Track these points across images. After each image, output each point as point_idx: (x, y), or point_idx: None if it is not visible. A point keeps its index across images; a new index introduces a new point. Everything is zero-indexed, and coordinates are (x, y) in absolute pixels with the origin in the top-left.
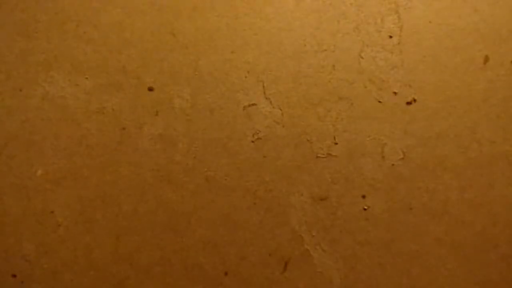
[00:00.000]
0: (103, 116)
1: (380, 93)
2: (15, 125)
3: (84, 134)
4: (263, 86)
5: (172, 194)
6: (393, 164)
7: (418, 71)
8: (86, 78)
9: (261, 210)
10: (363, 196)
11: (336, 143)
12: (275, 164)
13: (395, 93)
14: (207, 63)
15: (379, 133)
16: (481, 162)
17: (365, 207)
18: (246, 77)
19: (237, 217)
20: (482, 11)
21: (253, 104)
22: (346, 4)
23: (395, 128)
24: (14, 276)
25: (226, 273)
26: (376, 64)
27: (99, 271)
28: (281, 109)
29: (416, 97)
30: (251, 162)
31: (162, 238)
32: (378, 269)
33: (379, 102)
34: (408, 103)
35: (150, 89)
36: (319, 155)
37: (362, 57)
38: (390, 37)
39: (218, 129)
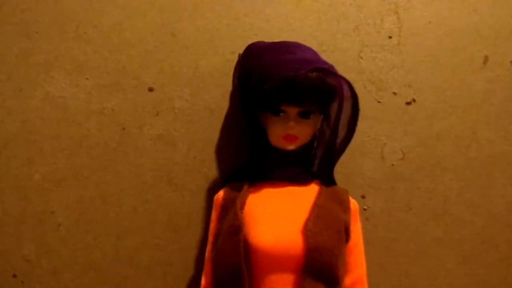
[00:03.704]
0: (103, 116)
1: (379, 93)
2: (15, 125)
3: (84, 134)
4: None
5: (172, 194)
6: (392, 164)
7: (417, 71)
8: (87, 78)
9: None
10: (363, 196)
11: None
12: None
13: (394, 93)
14: (207, 64)
15: (378, 133)
16: (481, 162)
17: (365, 207)
18: None
19: None
20: (481, 11)
21: None
22: (346, 5)
23: (395, 128)
24: (14, 276)
25: None
26: (375, 64)
27: (99, 271)
28: None
29: (415, 97)
30: None
31: (162, 238)
32: (378, 269)
33: (379, 102)
34: (408, 103)
35: (150, 89)
36: None
37: (361, 58)
38: (390, 37)
39: (218, 129)
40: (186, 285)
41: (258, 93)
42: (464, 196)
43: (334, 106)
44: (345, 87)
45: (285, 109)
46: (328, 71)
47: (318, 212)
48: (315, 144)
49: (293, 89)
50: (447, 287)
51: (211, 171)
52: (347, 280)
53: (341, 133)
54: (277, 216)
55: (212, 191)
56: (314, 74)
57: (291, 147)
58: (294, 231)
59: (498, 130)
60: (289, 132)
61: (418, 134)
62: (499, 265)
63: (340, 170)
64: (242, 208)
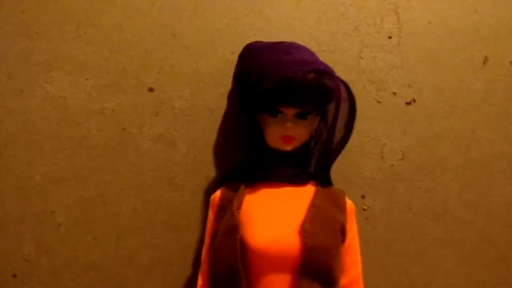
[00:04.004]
0: (103, 117)
1: (379, 93)
2: (15, 125)
3: (85, 135)
4: None
5: (172, 194)
6: (392, 164)
7: (417, 71)
8: (87, 78)
9: None
10: (363, 196)
11: None
12: None
13: (394, 93)
14: (207, 64)
15: (378, 133)
16: (481, 162)
17: (365, 207)
18: None
19: None
20: (481, 11)
21: None
22: (346, 5)
23: (395, 128)
24: (14, 276)
25: None
26: (375, 64)
27: (99, 271)
28: None
29: (415, 98)
30: None
31: (162, 238)
32: (378, 269)
33: (379, 102)
34: (408, 104)
35: (150, 89)
36: None
37: (361, 58)
38: (390, 37)
39: (218, 129)
40: (186, 285)
41: (255, 93)
42: (464, 196)
43: (331, 107)
44: (342, 88)
45: (282, 110)
46: (325, 72)
47: (314, 213)
48: (312, 145)
49: (291, 91)
50: (447, 287)
51: (211, 171)
52: (343, 280)
53: (338, 134)
54: (274, 216)
55: (212, 191)
56: (312, 75)
57: (288, 147)
58: (291, 232)
59: (498, 130)
60: (287, 133)
61: (418, 134)
62: (499, 265)
63: (340, 170)
64: (239, 208)
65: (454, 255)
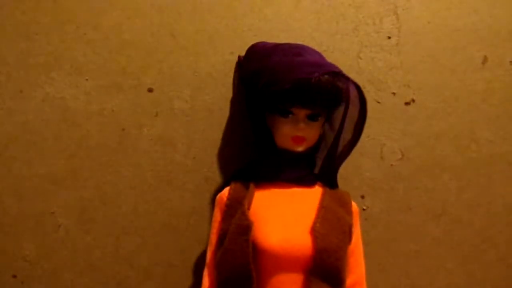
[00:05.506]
0: (103, 117)
1: (379, 93)
2: (15, 126)
3: (84, 135)
4: None
5: (172, 194)
6: (392, 165)
7: (416, 71)
8: (86, 79)
9: None
10: (362, 196)
11: None
12: None
13: (393, 93)
14: (206, 64)
15: (378, 133)
16: (480, 162)
17: (364, 207)
18: None
19: None
20: (480, 11)
21: None
22: (345, 5)
23: (394, 128)
24: (14, 276)
25: None
26: (374, 64)
27: (99, 272)
28: None
29: (414, 98)
30: None
31: (162, 238)
32: (378, 269)
33: (378, 102)
34: (407, 104)
35: (150, 90)
36: None
37: (360, 58)
38: (389, 38)
39: (217, 129)
40: (186, 285)
41: (268, 94)
42: (463, 196)
43: (338, 109)
44: (354, 91)
45: (294, 111)
46: (340, 74)
47: (324, 214)
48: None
49: (306, 92)
50: (447, 287)
51: (211, 171)
52: (348, 281)
53: (345, 136)
54: (284, 217)
55: (212, 191)
56: (326, 77)
57: (299, 148)
58: (302, 232)
59: (497, 130)
60: (298, 133)
61: (417, 134)
62: (499, 265)
63: (340, 170)
64: (249, 208)
65: (453, 255)
